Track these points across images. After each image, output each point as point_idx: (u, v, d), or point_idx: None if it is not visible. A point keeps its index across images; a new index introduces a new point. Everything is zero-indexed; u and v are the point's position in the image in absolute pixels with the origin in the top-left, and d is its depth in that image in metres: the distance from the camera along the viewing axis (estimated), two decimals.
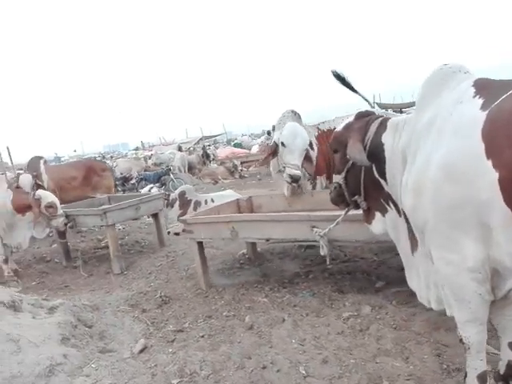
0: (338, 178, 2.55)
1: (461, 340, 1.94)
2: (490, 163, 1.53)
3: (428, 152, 1.80)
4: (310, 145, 4.23)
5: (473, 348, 1.89)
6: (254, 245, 4.72)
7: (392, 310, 2.97)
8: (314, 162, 4.30)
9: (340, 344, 2.69)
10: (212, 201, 6.86)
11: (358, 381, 2.30)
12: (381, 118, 2.27)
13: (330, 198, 2.58)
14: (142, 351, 3.07)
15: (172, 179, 11.55)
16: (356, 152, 2.17)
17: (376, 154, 2.18)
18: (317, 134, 4.62)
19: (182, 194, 6.82)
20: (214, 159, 14.29)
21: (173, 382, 2.63)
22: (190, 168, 14.42)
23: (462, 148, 1.64)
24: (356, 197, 2.39)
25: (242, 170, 13.89)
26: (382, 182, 2.22)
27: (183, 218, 4.17)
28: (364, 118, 2.34)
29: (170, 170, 12.17)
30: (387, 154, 2.14)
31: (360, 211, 2.68)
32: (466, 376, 1.98)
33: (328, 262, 3.15)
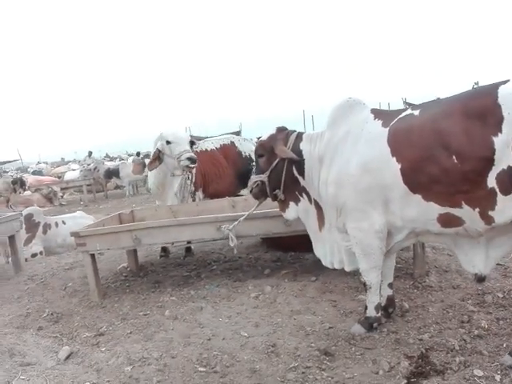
0: (253, 179, 3.27)
1: (364, 284, 2.88)
2: (394, 159, 2.50)
3: (346, 156, 2.70)
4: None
5: (373, 287, 2.84)
6: (135, 257, 4.92)
7: (288, 286, 3.78)
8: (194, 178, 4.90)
9: (260, 313, 3.34)
10: (63, 223, 6.66)
11: (290, 331, 3.00)
12: (296, 132, 3.12)
13: (252, 193, 3.27)
14: (69, 357, 3.06)
15: None
16: (287, 151, 2.96)
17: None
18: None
19: (29, 217, 6.41)
20: (28, 187, 12.97)
21: (126, 369, 2.79)
22: None
23: (373, 151, 2.58)
24: (276, 191, 3.14)
25: (62, 197, 13.01)
26: (299, 178, 3.04)
27: (75, 231, 4.16)
28: (283, 131, 3.15)
29: None
30: (306, 157, 2.97)
31: (258, 211, 3.52)
32: (366, 308, 2.91)
33: (236, 251, 3.77)
